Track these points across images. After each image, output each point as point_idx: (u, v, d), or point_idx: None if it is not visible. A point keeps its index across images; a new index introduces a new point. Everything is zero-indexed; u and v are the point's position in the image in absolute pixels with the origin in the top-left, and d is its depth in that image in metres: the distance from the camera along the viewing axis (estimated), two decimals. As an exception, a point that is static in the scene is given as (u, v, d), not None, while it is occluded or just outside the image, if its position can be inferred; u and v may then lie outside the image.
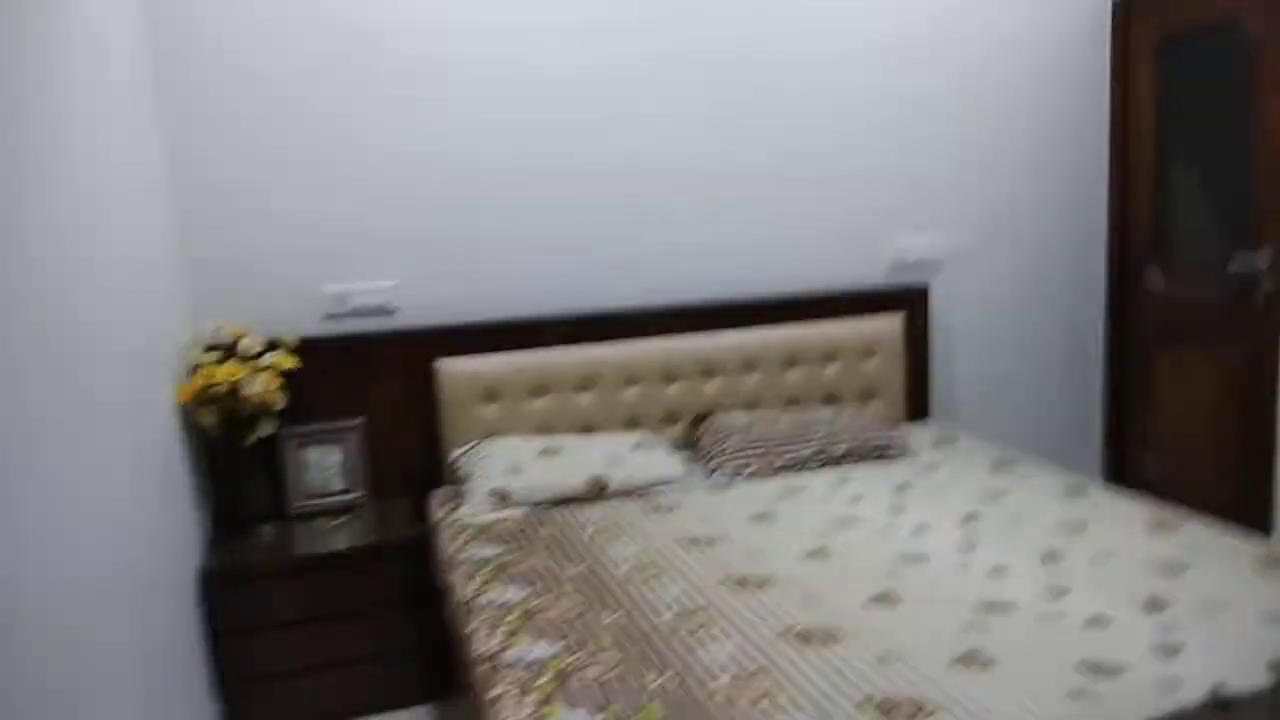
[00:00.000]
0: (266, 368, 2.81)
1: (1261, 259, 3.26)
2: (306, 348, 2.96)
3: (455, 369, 3.12)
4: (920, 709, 1.63)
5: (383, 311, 3.13)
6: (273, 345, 2.89)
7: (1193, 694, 1.65)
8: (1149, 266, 3.77)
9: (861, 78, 3.52)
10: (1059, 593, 2.06)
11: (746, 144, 3.42)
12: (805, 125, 3.48)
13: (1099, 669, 1.73)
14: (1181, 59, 3.60)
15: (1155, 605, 1.97)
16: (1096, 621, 1.92)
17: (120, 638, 1.92)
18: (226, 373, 2.73)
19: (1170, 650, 1.79)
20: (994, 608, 2.00)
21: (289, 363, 2.86)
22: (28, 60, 1.78)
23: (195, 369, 2.77)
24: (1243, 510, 3.40)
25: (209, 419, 2.75)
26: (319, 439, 3.03)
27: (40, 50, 1.86)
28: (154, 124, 2.76)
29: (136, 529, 2.15)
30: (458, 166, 3.14)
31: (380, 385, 3.11)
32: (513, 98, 3.15)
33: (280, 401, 2.83)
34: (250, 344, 2.84)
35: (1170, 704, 1.63)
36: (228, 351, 2.84)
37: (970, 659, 1.79)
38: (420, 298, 3.16)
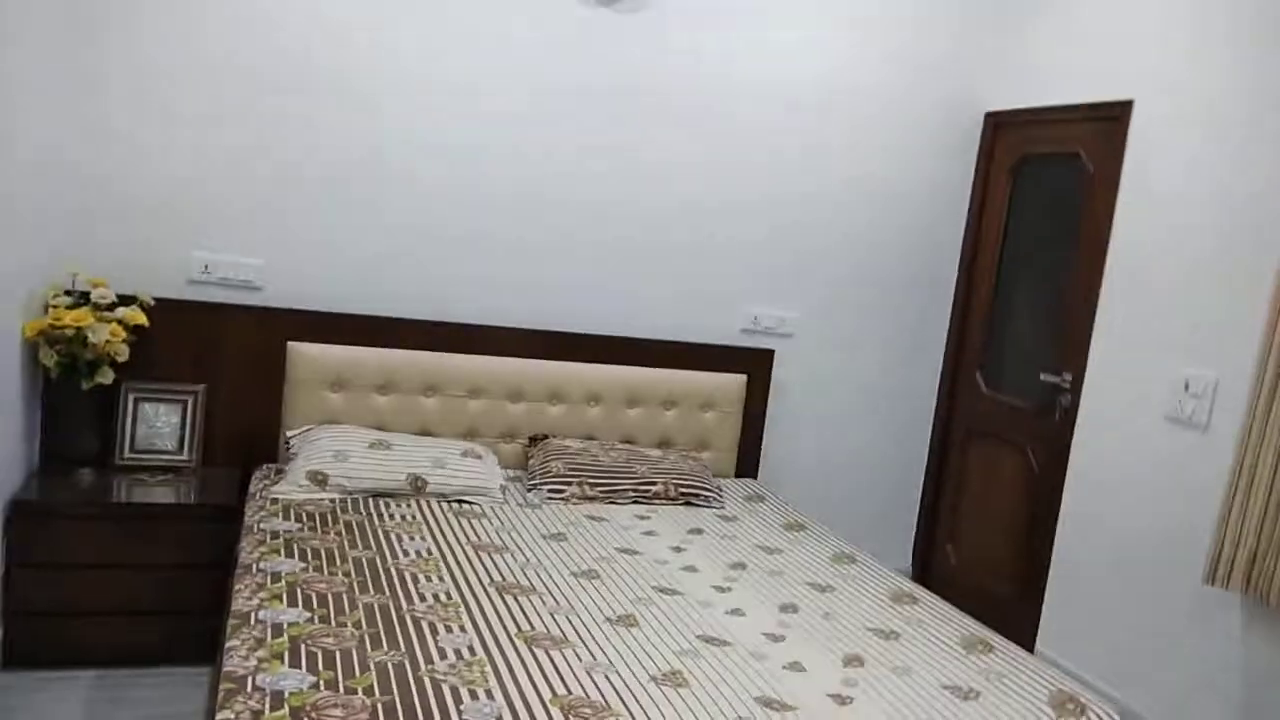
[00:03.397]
0: (116, 320, 2.94)
1: (1064, 380, 3.59)
2: (162, 308, 3.09)
3: (306, 352, 3.27)
4: (600, 712, 1.82)
5: (248, 287, 3.27)
6: (128, 300, 3.02)
7: (844, 737, 1.87)
8: (976, 370, 4.09)
9: (751, 148, 3.79)
10: (776, 639, 2.28)
11: (626, 191, 3.66)
12: (687, 188, 3.74)
13: (771, 704, 1.95)
14: (1034, 180, 3.95)
15: (853, 662, 2.20)
16: (794, 666, 2.14)
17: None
18: (74, 317, 2.84)
19: (842, 699, 2.01)
20: (713, 642, 2.22)
21: (139, 318, 2.98)
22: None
23: (46, 309, 2.89)
24: (1019, 603, 3.70)
25: (50, 359, 2.86)
26: (158, 397, 3.14)
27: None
28: (59, 60, 2.89)
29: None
30: (342, 158, 3.31)
31: (231, 357, 3.24)
32: (409, 107, 3.35)
33: (123, 354, 2.95)
34: (104, 294, 2.96)
35: (823, 742, 1.85)
36: (82, 299, 2.96)
37: (671, 679, 2.00)
38: (285, 280, 3.31)
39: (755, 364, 3.90)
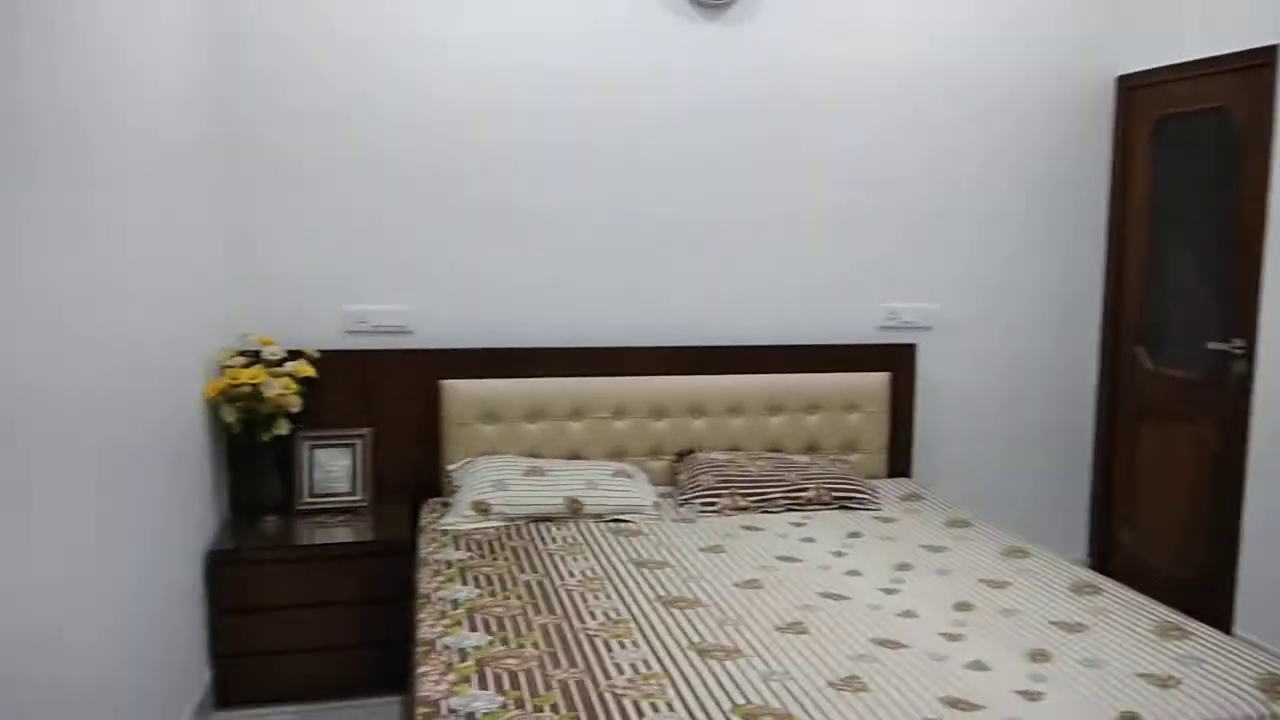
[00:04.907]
0: (286, 374, 3.15)
1: (1236, 347, 3.37)
2: (325, 359, 3.30)
3: (459, 389, 3.41)
4: (787, 718, 1.83)
5: (399, 331, 3.45)
6: (295, 355, 3.23)
7: (1037, 734, 1.81)
8: (1137, 347, 3.89)
9: (872, 141, 3.75)
10: (953, 638, 2.22)
11: (753, 198, 3.67)
12: (813, 184, 3.71)
13: (958, 704, 1.90)
14: (1177, 141, 3.74)
15: (1038, 657, 2.13)
16: (976, 665, 2.08)
17: (130, 599, 2.22)
18: (250, 375, 3.07)
19: (1032, 695, 1.94)
20: (888, 645, 2.18)
21: (306, 370, 3.19)
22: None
23: (223, 371, 3.12)
24: (1207, 587, 3.48)
25: (231, 415, 3.09)
26: (330, 443, 3.34)
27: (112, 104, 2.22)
28: (209, 146, 3.14)
29: (156, 503, 2.46)
30: (474, 206, 3.46)
31: (391, 399, 3.42)
32: (531, 138, 3.47)
33: (297, 405, 3.15)
34: (274, 351, 3.18)
35: (1015, 740, 1.79)
36: (254, 358, 3.19)
37: (847, 684, 1.98)
38: (433, 322, 3.47)
39: (898, 360, 3.82)
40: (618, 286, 3.61)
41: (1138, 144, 3.86)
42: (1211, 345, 3.47)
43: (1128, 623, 2.33)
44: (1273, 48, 3.19)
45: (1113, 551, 4.02)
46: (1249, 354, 3.33)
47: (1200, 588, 3.51)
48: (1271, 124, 3.22)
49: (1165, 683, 2.00)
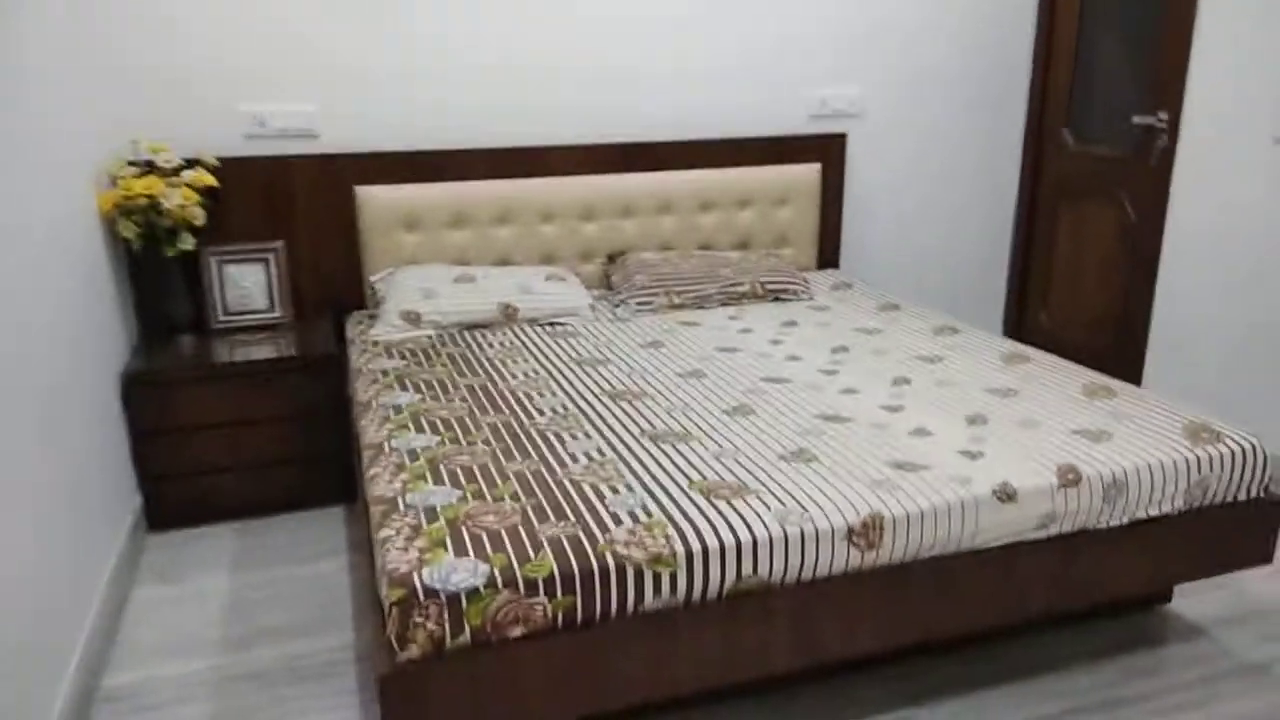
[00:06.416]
0: (185, 183, 2.91)
1: (1160, 120, 3.39)
2: (227, 167, 3.05)
3: (376, 196, 3.22)
4: (738, 491, 1.86)
5: (305, 135, 3.20)
6: (192, 164, 2.98)
7: (980, 488, 1.89)
8: (1063, 126, 3.89)
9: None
10: (894, 410, 2.28)
11: (672, -15, 3.45)
12: (734, -31, 3.50)
13: (903, 466, 1.96)
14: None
15: (976, 421, 2.20)
16: (919, 432, 2.14)
17: (42, 428, 2.09)
18: (145, 185, 2.82)
19: (973, 455, 2.02)
20: (832, 419, 2.22)
21: (207, 179, 2.95)
22: None
23: (115, 181, 2.87)
24: (1118, 358, 3.65)
25: (130, 230, 2.86)
26: (240, 258, 3.15)
27: None
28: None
29: (60, 330, 2.29)
30: (378, -7, 3.16)
31: (302, 210, 3.21)
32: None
33: (200, 217, 2.93)
34: (168, 159, 2.93)
35: (961, 494, 1.87)
36: (147, 167, 2.93)
37: (798, 456, 2.02)
38: (342, 124, 3.22)
39: (827, 151, 3.75)
40: (539, 79, 3.39)
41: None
42: (1136, 119, 3.48)
43: (1057, 386, 2.42)
44: None
45: (1027, 328, 4.16)
46: (1172, 126, 3.35)
47: (1113, 357, 3.68)
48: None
49: (1098, 437, 2.10)
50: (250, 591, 2.57)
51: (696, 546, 1.71)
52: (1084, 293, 3.85)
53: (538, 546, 1.68)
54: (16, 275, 2.04)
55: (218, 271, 3.13)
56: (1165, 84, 3.36)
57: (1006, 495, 1.88)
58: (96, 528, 2.42)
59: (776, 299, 3.31)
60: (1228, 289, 3.22)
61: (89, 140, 2.77)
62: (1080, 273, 3.86)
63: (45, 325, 2.19)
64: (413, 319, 2.96)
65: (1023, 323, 4.19)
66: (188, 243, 2.96)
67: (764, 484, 1.89)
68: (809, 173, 3.69)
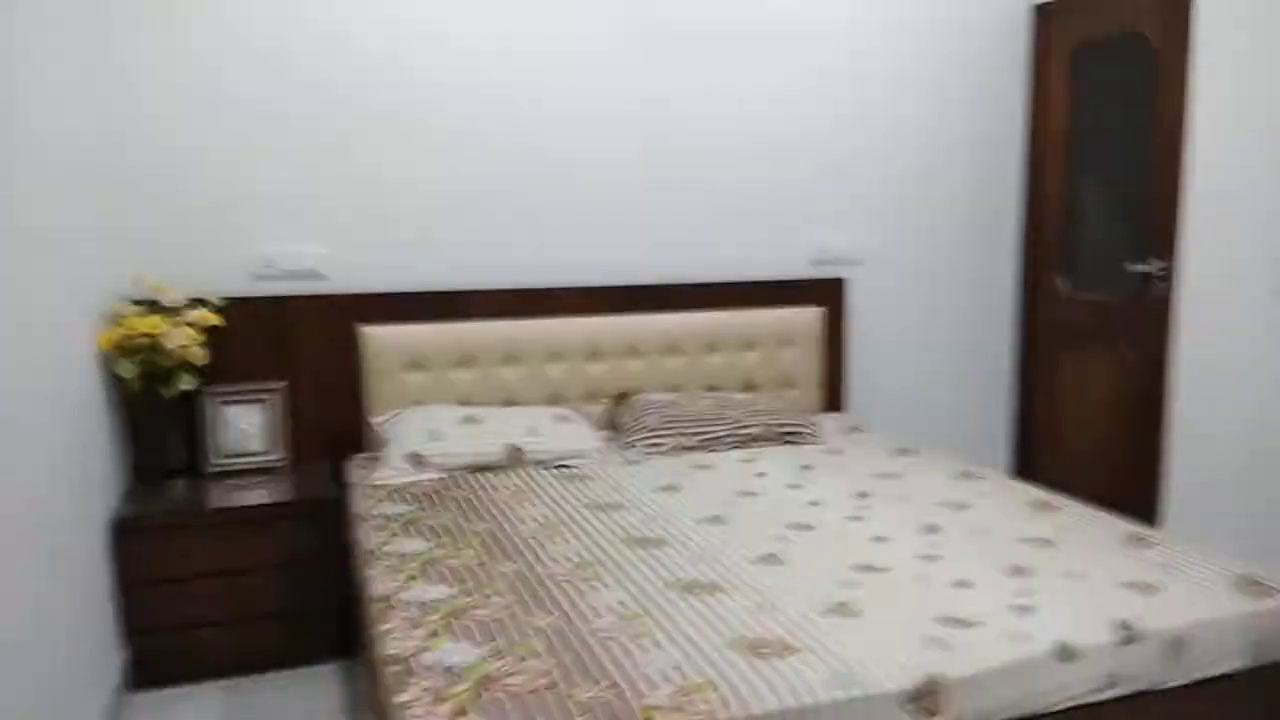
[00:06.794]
0: (189, 323, 2.85)
1: (1157, 268, 3.45)
2: (232, 307, 3.01)
3: (380, 335, 3.17)
4: (786, 648, 1.73)
5: (312, 276, 3.17)
6: (198, 303, 2.93)
7: (1039, 646, 1.77)
8: (1056, 272, 3.95)
9: (792, 79, 3.65)
10: (931, 559, 2.18)
11: (677, 136, 3.53)
12: (736, 122, 3.60)
13: (956, 622, 1.85)
14: (1094, 67, 3.78)
15: (1019, 572, 2.10)
16: (961, 584, 2.04)
17: (25, 579, 1.95)
18: (148, 324, 2.76)
19: (1024, 609, 1.91)
20: (869, 569, 2.12)
21: (212, 319, 2.90)
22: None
23: (117, 320, 2.80)
24: (1133, 504, 3.57)
25: (129, 370, 2.78)
26: (241, 398, 3.07)
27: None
28: (91, 66, 2.79)
29: (49, 470, 2.17)
30: (393, 140, 3.20)
31: (306, 349, 3.16)
32: (453, 84, 3.24)
33: (202, 357, 2.86)
34: (173, 299, 2.88)
35: (1020, 653, 1.75)
36: (152, 306, 2.87)
37: (840, 610, 1.90)
38: (349, 265, 3.21)
39: (829, 294, 3.77)
40: (546, 223, 3.42)
41: (1057, 70, 3.89)
42: (1132, 268, 3.54)
43: (1094, 536, 2.33)
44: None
45: (1038, 475, 4.09)
46: (1168, 275, 3.40)
47: (1124, 503, 3.60)
48: (1186, 45, 3.27)
49: (1148, 590, 2.00)
50: (237, 761, 2.36)
51: (741, 715, 1.57)
52: (1091, 436, 3.82)
53: (571, 717, 1.53)
54: (8, 410, 1.93)
55: (216, 412, 3.03)
56: (1159, 231, 3.43)
57: (1068, 653, 1.77)
58: (77, 688, 2.23)
59: (788, 442, 3.25)
60: (1245, 426, 3.19)
61: (92, 271, 2.72)
62: (1086, 416, 3.84)
63: (34, 466, 2.08)
64: (417, 462, 2.86)
65: (1030, 466, 4.13)
66: (187, 383, 2.87)
67: (808, 643, 1.76)
68: (812, 316, 3.69)
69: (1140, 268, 3.52)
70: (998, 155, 4.01)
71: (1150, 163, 3.47)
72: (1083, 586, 2.02)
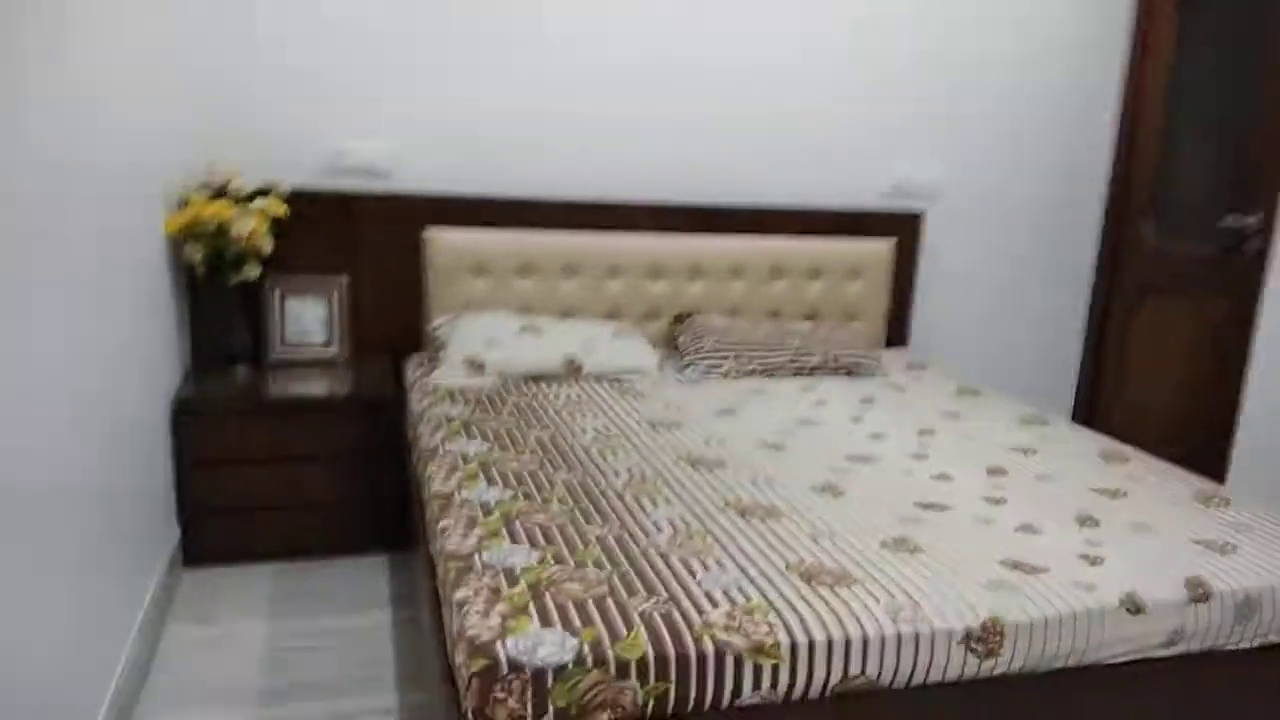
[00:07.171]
0: (256, 211, 2.84)
1: (1253, 220, 3.28)
2: (298, 198, 2.98)
3: (444, 239, 3.14)
4: (841, 579, 1.71)
5: (380, 174, 3.13)
6: (265, 191, 2.91)
7: (1107, 598, 1.73)
8: (1143, 220, 3.79)
9: (885, 5, 3.49)
10: (996, 502, 2.13)
11: (759, 53, 3.39)
12: (820, 42, 3.45)
13: (1021, 566, 1.81)
14: (1204, 7, 3.55)
15: (1087, 521, 2.05)
16: (1027, 529, 1.99)
17: (91, 449, 1.97)
18: (215, 210, 2.75)
19: (1093, 560, 1.86)
20: (931, 507, 2.08)
21: (279, 209, 2.88)
22: None
23: (186, 204, 2.80)
24: (1195, 462, 3.48)
25: (196, 254, 2.78)
26: (303, 290, 3.07)
27: None
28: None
29: (116, 349, 2.19)
30: (469, 37, 3.11)
31: (370, 246, 3.14)
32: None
33: (268, 246, 2.86)
34: (241, 185, 2.86)
35: (1087, 602, 1.71)
36: (219, 192, 2.86)
37: (901, 545, 1.87)
38: (417, 166, 3.16)
39: (903, 228, 3.66)
40: (618, 136, 3.33)
41: (1159, 9, 3.66)
42: (1228, 221, 3.37)
43: (1165, 490, 2.26)
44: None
45: (1101, 426, 3.99)
46: (1268, 228, 3.24)
47: (1189, 460, 3.50)
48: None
49: (1223, 550, 1.94)
50: (289, 640, 2.41)
51: (802, 639, 1.55)
52: (1161, 390, 3.70)
53: (630, 624, 1.53)
54: (79, 287, 1.94)
55: (279, 303, 3.04)
56: (1260, 183, 3.26)
57: (1135, 607, 1.72)
58: (134, 559, 2.29)
59: (849, 374, 3.19)
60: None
61: (164, 155, 2.70)
62: (1159, 369, 3.72)
63: (102, 342, 2.09)
64: (476, 366, 2.85)
65: (1092, 415, 4.03)
66: (253, 271, 2.87)
67: (869, 573, 1.74)
68: (883, 248, 3.59)
69: (1235, 222, 3.35)
70: (1092, 97, 3.81)
71: (1258, 113, 3.27)
72: (1153, 540, 1.97)
